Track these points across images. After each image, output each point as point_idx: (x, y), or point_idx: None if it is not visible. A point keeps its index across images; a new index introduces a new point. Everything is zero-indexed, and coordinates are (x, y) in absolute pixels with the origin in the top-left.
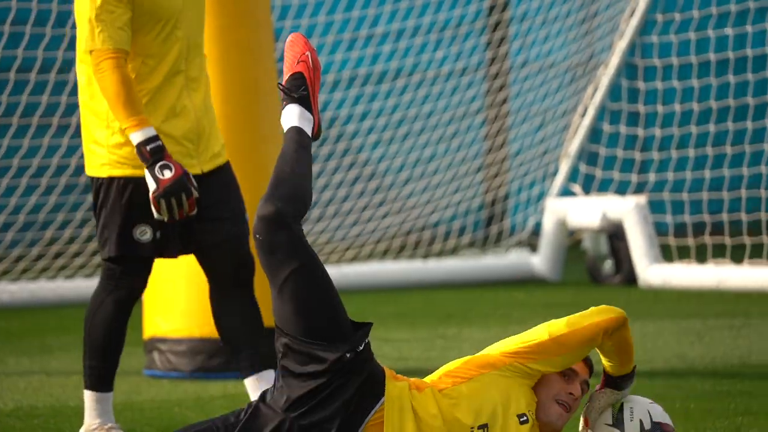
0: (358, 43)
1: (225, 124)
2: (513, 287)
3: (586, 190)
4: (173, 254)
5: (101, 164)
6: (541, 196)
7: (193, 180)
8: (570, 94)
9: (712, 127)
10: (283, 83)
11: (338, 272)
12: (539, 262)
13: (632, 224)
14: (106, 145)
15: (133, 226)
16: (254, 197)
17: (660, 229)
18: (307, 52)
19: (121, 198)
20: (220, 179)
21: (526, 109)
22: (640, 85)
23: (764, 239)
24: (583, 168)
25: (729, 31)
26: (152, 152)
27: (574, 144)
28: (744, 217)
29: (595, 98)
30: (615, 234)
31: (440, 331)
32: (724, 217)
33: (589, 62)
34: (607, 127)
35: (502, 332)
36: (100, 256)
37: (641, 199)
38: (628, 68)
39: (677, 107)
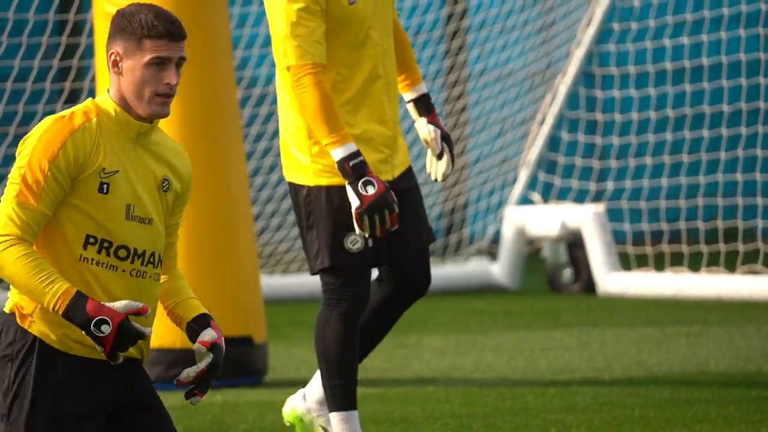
0: None
1: (183, 129)
2: (473, 296)
3: (545, 199)
4: (383, 262)
5: (306, 172)
6: (501, 204)
7: (394, 195)
8: (528, 103)
9: (669, 136)
10: None
11: (299, 281)
12: (499, 270)
13: (591, 233)
14: (309, 154)
15: (344, 235)
16: (214, 198)
17: (618, 238)
18: None
19: (330, 207)
20: (407, 184)
21: (484, 118)
22: (598, 93)
23: (721, 247)
24: (541, 176)
25: (685, 40)
26: (354, 168)
27: (532, 152)
28: (701, 225)
29: (553, 107)
30: (574, 242)
31: (400, 340)
32: (682, 225)
33: (547, 71)
34: (565, 136)
35: (462, 340)
36: (309, 272)
37: (599, 207)
38: (585, 77)
39: (634, 116)
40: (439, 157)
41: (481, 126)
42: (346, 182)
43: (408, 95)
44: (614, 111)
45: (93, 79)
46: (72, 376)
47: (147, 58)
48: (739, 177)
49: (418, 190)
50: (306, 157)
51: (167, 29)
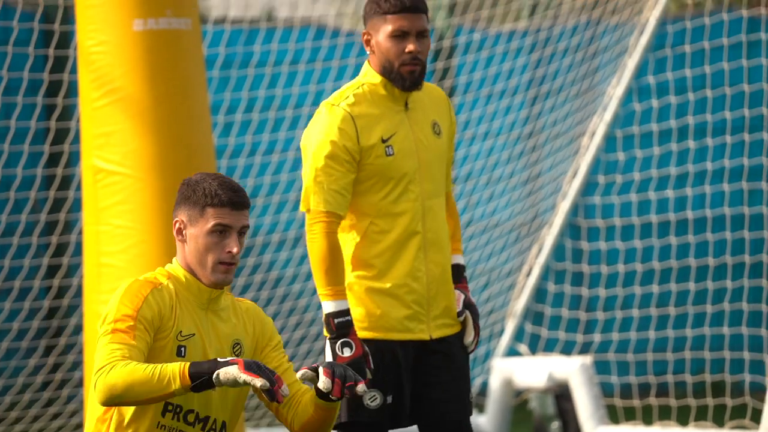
0: None
1: (163, 188)
2: None
3: (533, 350)
4: (405, 423)
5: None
6: (488, 355)
7: (371, 362)
8: (515, 254)
9: (655, 288)
10: None
11: None
12: (486, 422)
13: (578, 385)
14: None
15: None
16: None
17: (606, 390)
18: None
19: None
20: (451, 350)
21: (471, 269)
22: (584, 245)
23: (709, 401)
24: (528, 327)
25: (669, 193)
26: (339, 326)
27: (519, 303)
28: (689, 378)
29: (539, 258)
30: (561, 394)
31: None
32: (669, 378)
33: (533, 222)
34: (551, 287)
35: None
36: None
37: (587, 359)
38: (571, 229)
39: (621, 267)
40: (459, 315)
41: (468, 277)
42: (327, 337)
43: None
44: (600, 263)
45: (80, 233)
46: None
47: (209, 225)
48: (725, 330)
49: (463, 360)
50: None
51: (230, 198)
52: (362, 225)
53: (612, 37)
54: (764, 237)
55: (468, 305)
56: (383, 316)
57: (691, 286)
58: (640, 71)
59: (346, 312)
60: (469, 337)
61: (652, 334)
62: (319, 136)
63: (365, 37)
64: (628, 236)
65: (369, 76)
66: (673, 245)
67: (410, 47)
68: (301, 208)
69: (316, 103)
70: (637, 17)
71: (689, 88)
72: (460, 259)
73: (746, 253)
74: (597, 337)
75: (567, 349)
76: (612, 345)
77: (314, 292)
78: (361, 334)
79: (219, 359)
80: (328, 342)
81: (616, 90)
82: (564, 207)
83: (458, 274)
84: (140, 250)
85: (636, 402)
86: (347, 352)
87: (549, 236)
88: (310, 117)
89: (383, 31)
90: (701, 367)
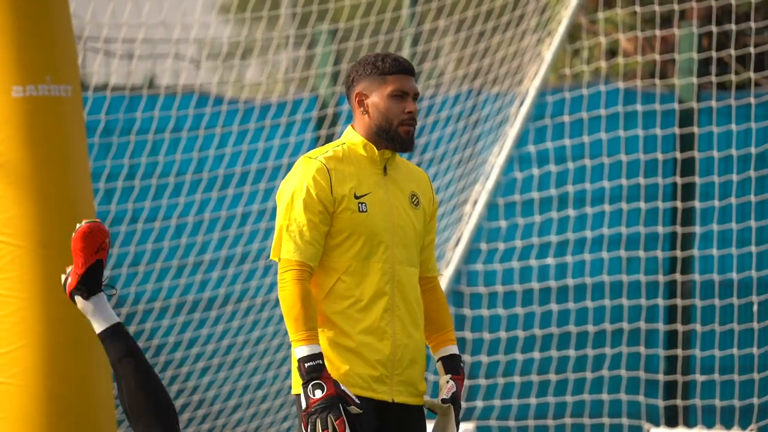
0: (186, 269)
1: (44, 255)
2: None
3: None
4: None
5: (294, 379)
6: None
7: (354, 399)
8: None
9: (537, 354)
10: (82, 271)
11: None
12: None
13: None
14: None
15: None
16: None
17: None
18: (107, 239)
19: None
20: (410, 421)
21: None
22: (467, 312)
23: None
24: None
25: (550, 260)
26: (309, 370)
27: None
28: None
29: None
30: None
31: None
32: None
33: None
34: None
35: None
36: None
37: (470, 426)
38: (454, 295)
39: (503, 334)
40: (444, 402)
41: None
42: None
43: (437, 354)
44: (482, 329)
45: None
46: None
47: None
48: (605, 397)
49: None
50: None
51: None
52: (329, 281)
53: (493, 106)
54: (642, 304)
55: (455, 399)
56: (348, 371)
57: (572, 352)
58: (521, 140)
59: (318, 356)
60: (449, 428)
61: (533, 400)
62: (293, 187)
63: (358, 98)
64: (510, 303)
65: (350, 136)
66: (554, 311)
67: (410, 107)
68: (272, 256)
69: (199, 170)
70: (518, 87)
71: (569, 157)
72: (454, 349)
73: (624, 320)
74: (479, 404)
75: None
76: (494, 411)
77: (196, 359)
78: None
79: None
80: (301, 390)
81: (497, 158)
82: (447, 274)
83: (454, 364)
84: (19, 318)
85: None
86: (318, 393)
87: None
88: (193, 183)
89: (382, 92)
90: None
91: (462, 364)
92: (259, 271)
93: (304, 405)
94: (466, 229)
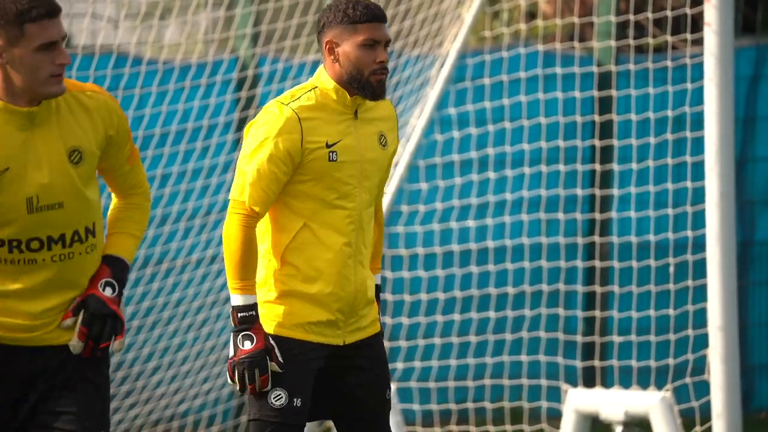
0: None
1: None
2: None
3: None
4: (322, 417)
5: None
6: None
7: (279, 357)
8: None
9: (457, 317)
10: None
11: None
12: None
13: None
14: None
15: (267, 391)
16: None
17: (408, 417)
18: None
19: None
20: (367, 352)
21: None
22: (387, 274)
23: (507, 428)
24: None
25: (471, 223)
26: (242, 320)
27: None
28: (488, 405)
29: None
30: None
31: None
32: (470, 405)
33: None
34: None
35: None
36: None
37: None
38: None
39: (423, 296)
40: None
41: None
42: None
43: None
44: (403, 292)
45: None
46: None
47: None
48: (524, 358)
49: (382, 358)
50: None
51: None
52: (294, 226)
53: (414, 69)
54: (561, 266)
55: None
56: (301, 318)
57: (491, 314)
58: (441, 103)
59: (252, 307)
60: None
61: (453, 362)
62: (263, 133)
63: (328, 46)
64: (430, 265)
65: (323, 80)
66: (474, 274)
67: (381, 56)
68: (231, 195)
69: None
70: (438, 50)
71: (489, 120)
72: (378, 280)
73: (544, 281)
74: (399, 365)
75: None
76: (414, 373)
77: (132, 316)
78: (276, 330)
79: None
80: (231, 336)
81: (418, 121)
82: None
83: (376, 293)
84: None
85: (437, 429)
86: (248, 345)
87: None
88: None
89: (353, 40)
90: (500, 394)
91: (380, 293)
92: (179, 233)
93: (231, 353)
94: (387, 192)
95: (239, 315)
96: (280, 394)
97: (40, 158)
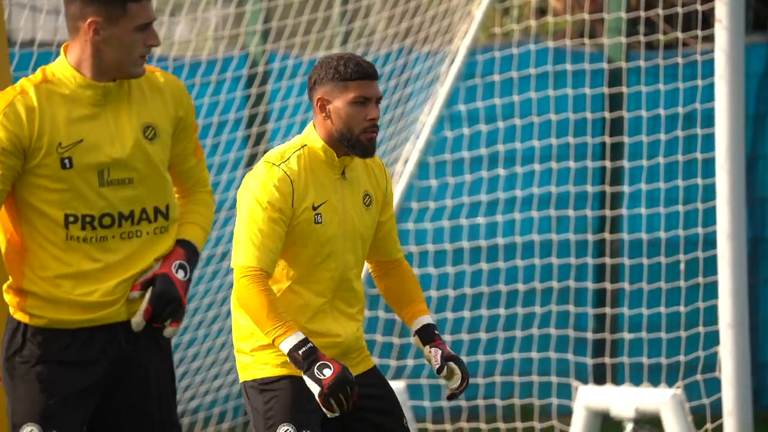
0: None
1: None
2: None
3: None
4: None
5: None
6: None
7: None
8: None
9: (467, 313)
10: None
11: None
12: None
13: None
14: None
15: (276, 428)
16: None
17: (418, 414)
18: None
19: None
20: (373, 380)
21: None
22: None
23: (518, 425)
24: None
25: (480, 219)
26: (305, 356)
27: None
28: (498, 402)
29: None
30: None
31: None
32: (480, 402)
33: None
34: (365, 312)
35: None
36: None
37: (400, 384)
38: None
39: (433, 293)
40: (439, 371)
41: None
42: (302, 372)
43: (413, 327)
44: None
45: None
46: None
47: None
48: (534, 355)
49: (388, 386)
50: (245, 356)
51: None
52: (280, 287)
53: (424, 65)
54: (571, 263)
55: (449, 357)
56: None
57: (502, 311)
58: (451, 99)
59: (305, 340)
60: (455, 384)
61: (463, 358)
62: (257, 195)
63: (319, 103)
64: (440, 262)
65: (311, 138)
66: (484, 271)
67: (372, 114)
68: (232, 263)
69: None
70: (448, 46)
71: (499, 116)
72: (428, 319)
73: (554, 279)
74: (410, 362)
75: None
76: (424, 370)
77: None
78: (278, 371)
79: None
80: (305, 377)
81: (428, 118)
82: None
83: (430, 333)
84: None
85: (448, 426)
86: (328, 372)
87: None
88: None
89: (344, 98)
90: (510, 391)
91: (437, 332)
92: None
93: (317, 389)
94: (397, 189)
95: (300, 353)
96: (288, 430)
97: (112, 133)
